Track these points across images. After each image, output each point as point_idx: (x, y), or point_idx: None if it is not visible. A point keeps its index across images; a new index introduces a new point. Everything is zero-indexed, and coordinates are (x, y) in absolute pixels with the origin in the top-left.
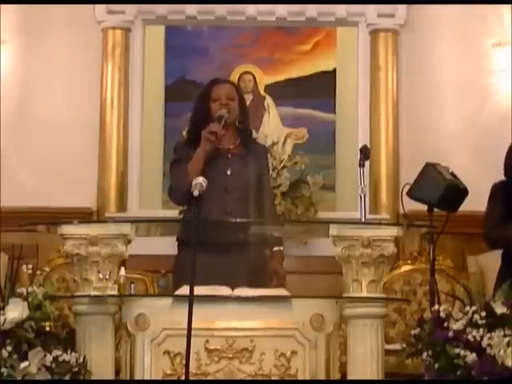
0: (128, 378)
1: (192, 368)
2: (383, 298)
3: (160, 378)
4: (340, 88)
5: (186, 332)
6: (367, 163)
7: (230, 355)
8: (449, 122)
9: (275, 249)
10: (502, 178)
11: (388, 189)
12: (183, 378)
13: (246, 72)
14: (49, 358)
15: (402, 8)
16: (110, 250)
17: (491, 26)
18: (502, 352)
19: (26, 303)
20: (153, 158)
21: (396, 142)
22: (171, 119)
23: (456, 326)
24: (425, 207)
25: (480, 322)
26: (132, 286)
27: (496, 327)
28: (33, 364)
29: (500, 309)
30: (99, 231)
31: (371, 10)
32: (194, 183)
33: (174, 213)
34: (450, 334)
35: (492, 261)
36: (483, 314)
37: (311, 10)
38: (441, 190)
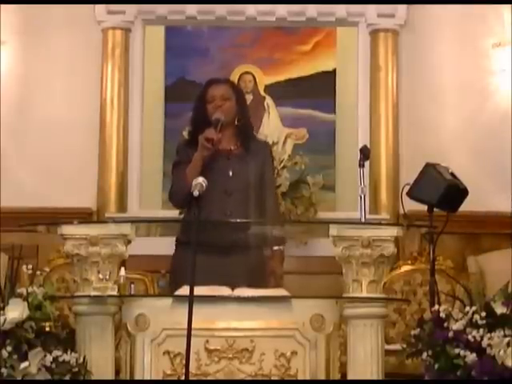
0: (128, 378)
1: (192, 368)
2: (383, 298)
3: (160, 378)
4: (340, 88)
5: (186, 332)
6: (367, 163)
7: (230, 355)
8: (449, 122)
9: (275, 248)
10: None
11: (388, 189)
12: (183, 378)
13: (246, 72)
14: (49, 358)
15: (401, 8)
16: (110, 250)
17: (491, 25)
18: (502, 352)
19: (25, 303)
20: (153, 157)
21: (396, 142)
22: (171, 119)
23: (456, 326)
24: (425, 207)
25: (480, 322)
26: (132, 286)
27: (496, 327)
28: (33, 364)
29: (500, 309)
30: (99, 231)
31: (371, 10)
32: (194, 183)
33: (174, 213)
34: (450, 334)
35: (492, 261)
36: (483, 314)
37: (311, 10)
38: (441, 190)
